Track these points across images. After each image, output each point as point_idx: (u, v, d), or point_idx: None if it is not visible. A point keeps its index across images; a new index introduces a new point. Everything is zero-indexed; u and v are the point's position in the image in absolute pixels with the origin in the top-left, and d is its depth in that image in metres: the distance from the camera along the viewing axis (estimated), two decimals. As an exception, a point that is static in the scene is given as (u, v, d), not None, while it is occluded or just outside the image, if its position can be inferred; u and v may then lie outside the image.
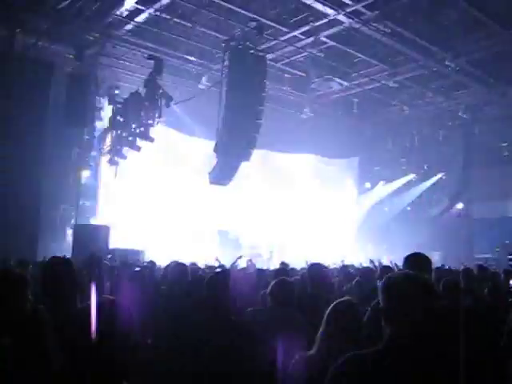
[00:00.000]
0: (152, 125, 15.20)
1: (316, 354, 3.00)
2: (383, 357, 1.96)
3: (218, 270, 7.53)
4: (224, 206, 20.57)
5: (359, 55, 15.63)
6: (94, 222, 16.94)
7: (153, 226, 18.40)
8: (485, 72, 16.06)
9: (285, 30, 14.04)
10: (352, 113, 20.23)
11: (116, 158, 16.27)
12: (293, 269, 9.15)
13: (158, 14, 13.24)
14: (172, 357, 3.50)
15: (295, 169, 23.24)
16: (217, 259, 11.55)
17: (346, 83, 17.45)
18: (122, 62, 16.25)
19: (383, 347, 2.01)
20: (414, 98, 19.20)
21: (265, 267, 10.51)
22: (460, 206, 21.91)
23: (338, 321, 3.06)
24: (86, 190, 17.29)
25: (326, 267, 5.65)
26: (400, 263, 4.22)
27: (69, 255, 11.36)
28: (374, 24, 13.15)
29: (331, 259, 15.17)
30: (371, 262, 9.77)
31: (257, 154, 14.88)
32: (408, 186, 23.22)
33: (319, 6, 12.52)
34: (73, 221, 16.39)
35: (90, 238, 13.52)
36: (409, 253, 4.00)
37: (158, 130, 16.02)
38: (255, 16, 13.16)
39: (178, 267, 5.62)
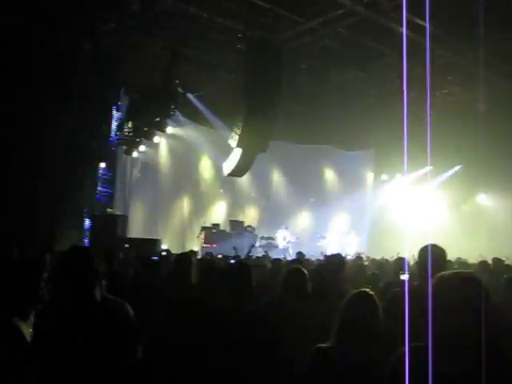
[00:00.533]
0: (168, 115, 15.25)
1: (332, 346, 3.02)
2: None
3: (232, 260, 7.57)
4: (239, 196, 20.66)
5: (375, 45, 15.50)
6: (111, 211, 17.07)
7: (168, 217, 18.54)
8: (503, 63, 15.84)
9: (301, 20, 13.97)
10: (368, 104, 20.08)
11: (132, 148, 16.39)
12: (308, 260, 9.19)
13: (175, 3, 13.24)
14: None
15: (311, 160, 23.13)
16: (234, 249, 11.63)
17: (361, 73, 17.33)
18: (138, 52, 16.27)
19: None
20: (431, 89, 18.98)
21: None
22: (482, 197, 21.75)
23: (351, 312, 3.08)
24: (102, 179, 17.42)
25: (344, 258, 5.69)
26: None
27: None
28: (392, 14, 13.03)
29: (347, 251, 15.17)
30: (358, 256, 9.62)
31: (273, 144, 14.87)
32: (426, 177, 23.02)
33: (336, -3, 12.44)
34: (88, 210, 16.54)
35: (108, 227, 13.65)
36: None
37: (175, 121, 16.09)
38: (272, 6, 13.12)
39: (189, 257, 5.54)
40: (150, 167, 18.74)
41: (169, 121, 15.38)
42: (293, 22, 14.08)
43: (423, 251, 3.95)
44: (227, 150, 14.46)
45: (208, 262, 7.66)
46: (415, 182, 22.71)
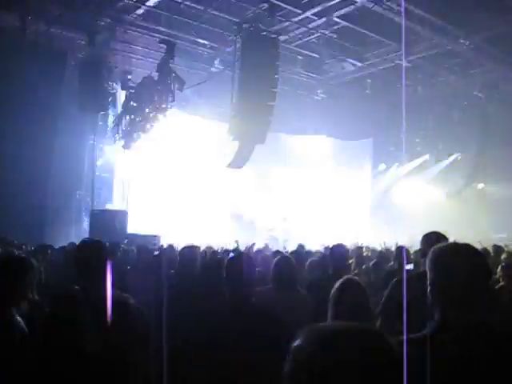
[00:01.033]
0: (165, 109, 15.20)
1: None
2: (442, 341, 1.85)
3: (231, 254, 7.59)
4: (238, 189, 20.63)
5: (372, 35, 15.45)
6: (110, 207, 17.08)
7: (168, 211, 18.50)
8: (500, 50, 15.78)
9: (297, 11, 13.91)
10: (365, 94, 20.05)
11: (130, 143, 16.35)
12: (308, 251, 9.18)
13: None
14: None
15: (309, 151, 23.13)
16: (236, 242, 11.63)
17: (359, 64, 17.29)
18: (134, 46, 16.20)
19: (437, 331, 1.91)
20: (428, 77, 18.96)
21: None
22: (481, 186, 21.79)
23: (343, 301, 3.06)
24: (101, 175, 17.42)
25: (347, 249, 5.69)
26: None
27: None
28: (387, 3, 12.98)
29: (346, 241, 15.15)
30: (358, 247, 9.57)
31: (271, 136, 14.84)
32: (423, 166, 23.07)
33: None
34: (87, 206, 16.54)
35: (108, 223, 13.64)
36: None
37: (171, 114, 16.03)
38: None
39: (189, 250, 5.45)
40: (147, 160, 18.68)
41: (166, 114, 15.31)
42: (289, 12, 14.02)
43: (425, 239, 3.95)
44: (225, 143, 14.43)
45: (212, 255, 7.70)
46: (413, 172, 22.81)
